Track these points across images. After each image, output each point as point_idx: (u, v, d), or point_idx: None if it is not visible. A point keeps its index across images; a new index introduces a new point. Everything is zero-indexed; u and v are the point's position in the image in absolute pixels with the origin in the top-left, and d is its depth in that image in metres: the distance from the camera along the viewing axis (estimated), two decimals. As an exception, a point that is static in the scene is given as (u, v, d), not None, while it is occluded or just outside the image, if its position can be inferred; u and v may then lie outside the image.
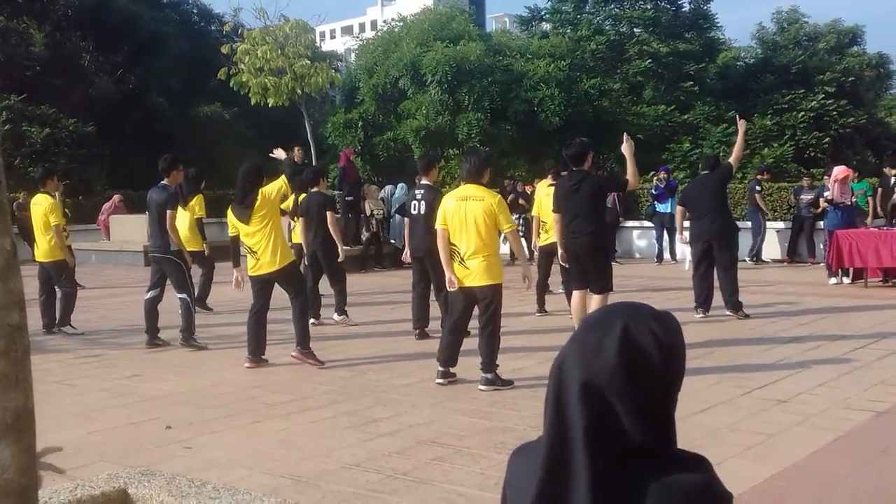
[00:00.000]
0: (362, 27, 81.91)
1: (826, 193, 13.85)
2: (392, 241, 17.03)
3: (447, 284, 6.93)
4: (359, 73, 24.85)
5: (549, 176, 10.82)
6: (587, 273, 7.99)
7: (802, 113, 26.33)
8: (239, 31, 24.13)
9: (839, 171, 13.38)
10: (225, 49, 20.22)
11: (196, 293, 9.82)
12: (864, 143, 28.52)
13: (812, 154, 25.78)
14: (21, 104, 24.88)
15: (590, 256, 7.94)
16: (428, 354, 7.60)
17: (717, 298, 10.07)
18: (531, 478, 1.34)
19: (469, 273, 6.72)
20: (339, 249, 9.94)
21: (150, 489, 3.07)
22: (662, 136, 25.04)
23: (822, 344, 8.33)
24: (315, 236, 9.92)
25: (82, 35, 28.35)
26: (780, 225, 17.07)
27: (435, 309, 9.05)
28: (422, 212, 8.90)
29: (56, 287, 9.96)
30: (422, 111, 22.40)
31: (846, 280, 13.03)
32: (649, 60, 26.42)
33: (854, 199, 13.69)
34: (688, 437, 3.89)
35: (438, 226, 6.89)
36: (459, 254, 6.73)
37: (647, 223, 18.19)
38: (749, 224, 16.35)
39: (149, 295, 9.06)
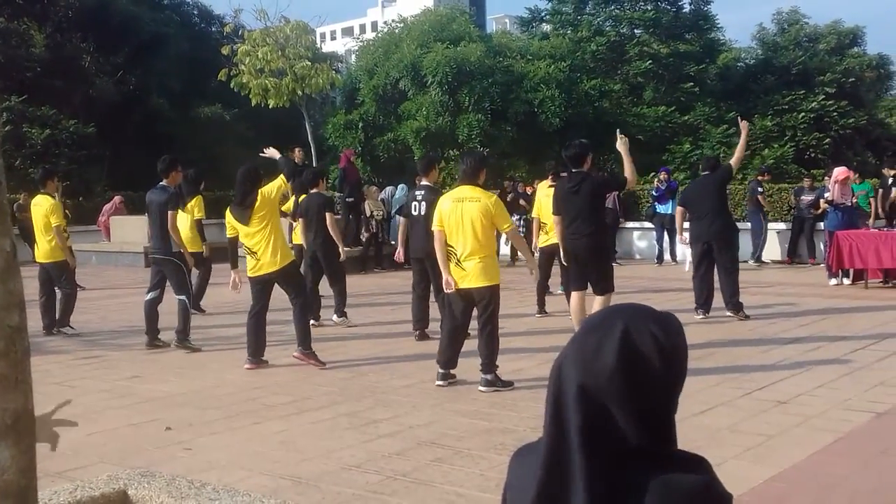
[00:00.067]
0: (363, 28, 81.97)
1: (826, 194, 13.85)
2: (392, 243, 17.03)
3: (444, 286, 6.92)
4: (359, 74, 24.87)
5: (550, 177, 10.82)
6: (587, 274, 7.99)
7: (803, 114, 26.35)
8: (239, 33, 24.16)
9: (839, 172, 13.39)
10: (225, 50, 20.23)
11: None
12: (865, 144, 28.54)
13: (812, 155, 25.79)
14: (21, 105, 24.88)
15: (590, 257, 7.94)
16: (428, 356, 7.60)
17: (718, 299, 10.07)
18: (531, 478, 1.35)
19: (466, 275, 6.71)
20: (340, 249, 9.96)
21: (149, 490, 3.07)
22: (663, 137, 25.06)
23: (822, 345, 8.33)
24: (315, 237, 9.93)
25: (83, 36, 28.36)
26: (781, 226, 17.06)
27: (435, 310, 9.04)
28: (422, 213, 8.90)
29: (56, 288, 9.96)
30: (422, 112, 22.41)
31: (846, 281, 13.03)
32: (650, 61, 26.43)
33: (855, 200, 13.69)
34: (688, 438, 3.89)
35: (435, 227, 6.88)
36: (456, 255, 6.72)
37: (647, 224, 18.19)
38: (749, 225, 16.35)
39: (149, 296, 9.05)
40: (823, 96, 26.89)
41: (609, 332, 1.34)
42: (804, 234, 16.35)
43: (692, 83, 26.69)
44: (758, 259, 16.29)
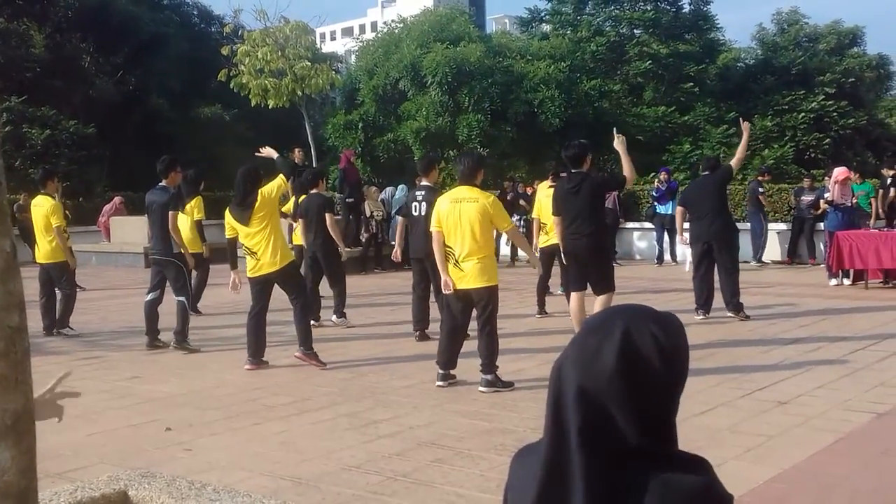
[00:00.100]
0: (362, 28, 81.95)
1: (826, 195, 13.85)
2: (392, 243, 17.01)
3: (442, 287, 6.92)
4: (359, 74, 24.88)
5: (550, 178, 10.82)
6: (588, 275, 7.99)
7: (803, 114, 26.36)
8: (239, 33, 24.13)
9: (839, 172, 13.39)
10: (225, 50, 20.22)
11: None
12: (865, 144, 28.55)
13: (812, 155, 25.80)
14: (21, 106, 24.89)
15: (590, 258, 7.93)
16: (428, 356, 7.60)
17: (718, 300, 10.07)
18: (532, 479, 1.35)
19: (464, 275, 6.70)
20: (341, 249, 9.96)
21: (150, 491, 3.07)
22: (663, 137, 25.07)
23: (822, 345, 8.33)
24: (315, 238, 9.93)
25: (82, 36, 28.38)
26: (781, 226, 17.07)
27: (435, 311, 9.03)
28: (422, 213, 8.89)
29: (56, 289, 9.96)
30: (422, 112, 22.42)
31: (846, 281, 13.03)
32: (649, 62, 26.44)
33: (855, 201, 13.69)
34: (688, 438, 3.89)
35: (433, 228, 6.88)
36: (454, 256, 6.71)
37: (647, 224, 18.19)
38: (749, 225, 16.35)
39: (149, 297, 9.05)
40: (823, 96, 26.91)
41: (609, 333, 1.34)
42: (804, 234, 16.35)
43: (692, 83, 26.70)
44: (759, 260, 16.30)
